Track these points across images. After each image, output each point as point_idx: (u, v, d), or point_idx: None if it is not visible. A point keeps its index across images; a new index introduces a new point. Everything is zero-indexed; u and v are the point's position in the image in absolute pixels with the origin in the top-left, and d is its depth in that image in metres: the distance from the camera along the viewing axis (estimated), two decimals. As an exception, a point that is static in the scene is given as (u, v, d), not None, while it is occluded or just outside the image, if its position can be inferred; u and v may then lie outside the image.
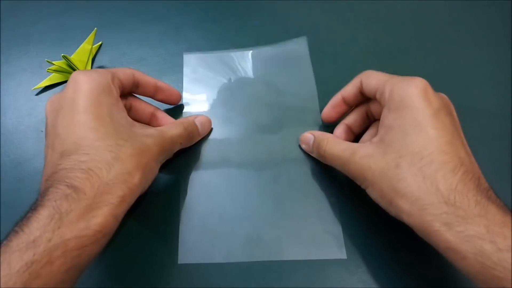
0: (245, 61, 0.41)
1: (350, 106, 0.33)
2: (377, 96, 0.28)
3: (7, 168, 0.35)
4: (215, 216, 0.31)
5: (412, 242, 0.29)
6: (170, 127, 0.30)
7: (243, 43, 0.43)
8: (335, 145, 0.29)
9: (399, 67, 0.40)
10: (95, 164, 0.22)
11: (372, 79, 0.29)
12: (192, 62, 0.41)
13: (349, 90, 0.31)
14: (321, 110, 0.36)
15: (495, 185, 0.32)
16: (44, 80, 0.40)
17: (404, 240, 0.29)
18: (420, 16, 0.45)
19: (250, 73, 0.40)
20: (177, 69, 0.41)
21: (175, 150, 0.31)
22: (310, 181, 0.33)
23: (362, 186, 0.27)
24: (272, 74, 0.39)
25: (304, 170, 0.33)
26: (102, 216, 0.21)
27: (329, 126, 0.36)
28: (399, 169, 0.23)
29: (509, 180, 0.32)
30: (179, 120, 0.33)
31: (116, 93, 0.28)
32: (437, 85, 0.37)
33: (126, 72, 0.30)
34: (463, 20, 0.44)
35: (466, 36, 0.43)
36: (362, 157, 0.25)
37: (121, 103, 0.28)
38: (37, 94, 0.40)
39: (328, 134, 0.31)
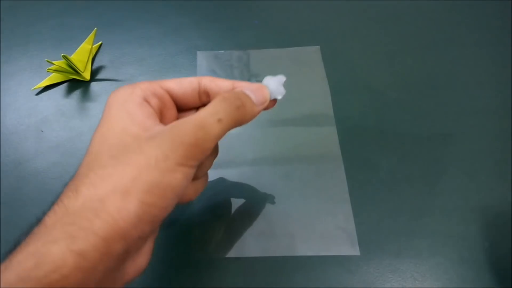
0: (258, 59, 0.41)
1: None
2: None
3: (7, 168, 0.35)
4: (228, 211, 0.31)
5: (420, 239, 0.29)
6: (202, 110, 0.22)
7: (242, 43, 0.43)
8: None
9: (400, 67, 0.40)
10: (65, 192, 0.19)
11: None
12: (205, 60, 0.42)
13: None
14: (333, 108, 0.37)
15: (495, 185, 0.32)
16: (44, 80, 0.40)
17: (415, 237, 0.29)
18: (420, 16, 0.45)
19: (263, 71, 0.40)
20: (177, 69, 0.41)
21: (216, 140, 0.21)
22: (323, 177, 0.33)
23: None
24: (285, 74, 0.40)
25: (317, 167, 0.33)
26: (57, 253, 0.16)
27: (344, 124, 0.36)
28: None
29: (509, 180, 0.32)
30: (219, 96, 0.23)
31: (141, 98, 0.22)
32: (437, 85, 0.37)
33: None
34: (463, 20, 0.44)
35: (466, 36, 0.43)
36: None
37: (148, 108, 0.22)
38: (37, 94, 0.40)
39: None
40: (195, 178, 0.24)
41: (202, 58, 0.42)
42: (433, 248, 0.29)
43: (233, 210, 0.31)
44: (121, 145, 0.20)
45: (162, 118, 0.24)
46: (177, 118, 0.25)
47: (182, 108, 0.25)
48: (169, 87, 0.24)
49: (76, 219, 0.17)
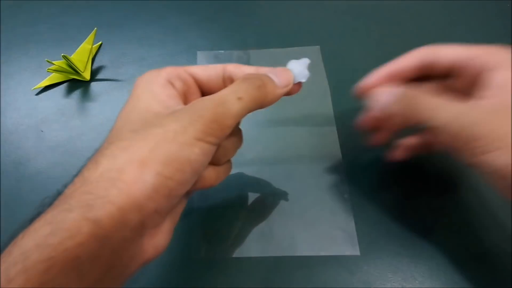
0: (258, 59, 0.41)
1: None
2: (468, 63, 0.24)
3: (7, 168, 0.35)
4: (228, 211, 0.31)
5: (420, 239, 0.29)
6: (223, 89, 0.22)
7: (242, 43, 0.43)
8: (432, 98, 0.23)
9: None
10: (86, 165, 0.19)
11: (450, 50, 0.26)
12: (205, 60, 0.42)
13: (407, 64, 0.26)
14: (334, 108, 0.37)
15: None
16: (44, 80, 0.40)
17: (415, 237, 0.29)
18: (420, 16, 0.45)
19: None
20: (177, 69, 0.41)
21: (236, 118, 0.21)
22: (323, 177, 0.33)
23: (478, 150, 0.21)
24: None
25: (317, 167, 0.33)
26: (72, 220, 0.17)
27: (344, 124, 0.36)
28: None
29: (509, 180, 0.32)
30: (241, 77, 0.23)
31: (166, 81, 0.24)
32: (437, 85, 0.37)
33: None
34: (463, 20, 0.44)
35: (466, 36, 0.43)
36: (490, 114, 0.21)
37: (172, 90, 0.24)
38: (37, 94, 0.40)
39: (416, 89, 0.24)
40: (217, 163, 0.24)
41: (202, 58, 0.42)
42: (433, 248, 0.29)
43: (232, 210, 0.31)
44: (142, 121, 0.21)
45: (186, 101, 0.24)
46: None
47: (207, 93, 0.25)
48: (194, 72, 0.25)
49: (93, 189, 0.18)
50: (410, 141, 0.30)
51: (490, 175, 0.22)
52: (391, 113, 0.25)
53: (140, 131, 0.20)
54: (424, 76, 0.27)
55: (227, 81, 0.25)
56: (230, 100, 0.21)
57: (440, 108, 0.22)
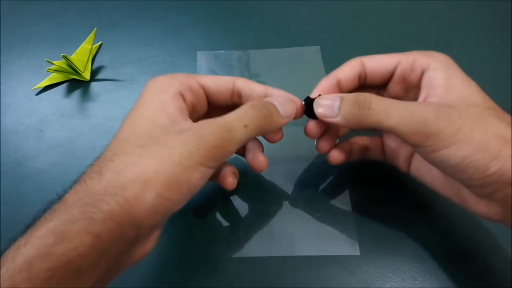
0: (258, 59, 0.41)
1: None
2: (401, 70, 0.25)
3: (7, 168, 0.35)
4: (228, 211, 0.31)
5: (420, 239, 0.29)
6: (230, 114, 0.23)
7: (243, 43, 0.43)
8: (383, 99, 0.23)
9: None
10: (88, 173, 0.20)
11: (382, 59, 0.26)
12: (205, 60, 0.42)
13: (347, 72, 0.27)
14: None
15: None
16: (44, 80, 0.40)
17: (415, 237, 0.29)
18: (420, 16, 0.45)
19: (263, 71, 0.40)
20: (177, 69, 0.41)
21: (238, 144, 0.22)
22: (322, 177, 0.33)
23: (438, 145, 0.21)
24: (285, 74, 0.40)
25: (316, 167, 0.33)
26: (75, 232, 0.17)
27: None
28: (496, 120, 0.21)
29: (509, 180, 0.32)
30: (249, 103, 0.24)
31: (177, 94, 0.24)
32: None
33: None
34: (463, 20, 0.44)
35: (466, 36, 0.43)
36: (441, 110, 0.21)
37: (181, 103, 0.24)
38: (37, 94, 0.40)
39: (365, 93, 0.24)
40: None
41: (202, 58, 0.42)
42: (433, 248, 0.29)
43: (232, 211, 0.31)
44: (148, 136, 0.21)
45: (193, 111, 0.25)
46: (207, 114, 0.27)
47: (214, 104, 0.27)
48: (205, 84, 0.26)
49: (96, 202, 0.18)
50: (345, 145, 0.29)
51: (449, 169, 0.22)
52: (344, 117, 0.24)
53: (146, 147, 0.20)
54: (359, 86, 0.28)
55: (235, 95, 0.26)
56: (236, 127, 0.22)
57: (392, 109, 0.22)
